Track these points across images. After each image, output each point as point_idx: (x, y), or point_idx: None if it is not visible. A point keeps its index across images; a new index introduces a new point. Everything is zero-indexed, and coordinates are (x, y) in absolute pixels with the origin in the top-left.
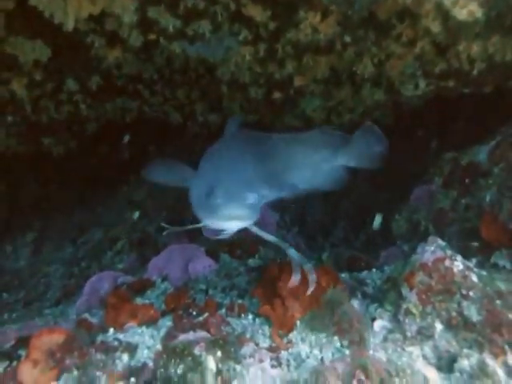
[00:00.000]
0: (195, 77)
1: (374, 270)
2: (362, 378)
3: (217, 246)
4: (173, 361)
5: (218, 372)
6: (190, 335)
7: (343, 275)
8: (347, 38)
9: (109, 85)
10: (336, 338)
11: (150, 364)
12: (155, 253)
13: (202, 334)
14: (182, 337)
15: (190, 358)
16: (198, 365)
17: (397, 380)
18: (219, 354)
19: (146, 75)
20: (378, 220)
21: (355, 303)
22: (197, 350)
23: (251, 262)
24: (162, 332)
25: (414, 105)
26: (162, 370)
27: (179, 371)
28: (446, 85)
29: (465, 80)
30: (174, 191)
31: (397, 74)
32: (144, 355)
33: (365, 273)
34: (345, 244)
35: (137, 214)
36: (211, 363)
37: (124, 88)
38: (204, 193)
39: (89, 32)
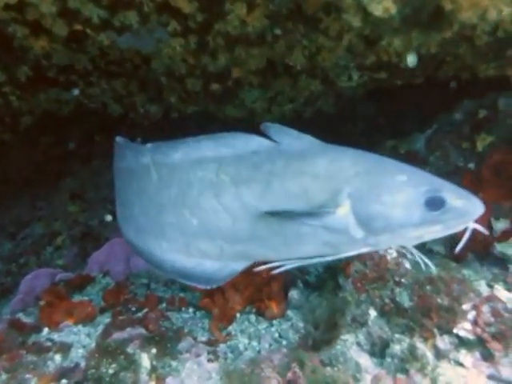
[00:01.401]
0: (132, 68)
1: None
2: (297, 370)
3: None
4: (104, 360)
5: (153, 369)
6: (125, 333)
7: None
8: (277, 31)
9: (39, 76)
10: (273, 328)
11: (83, 364)
12: (97, 247)
13: (138, 331)
14: (116, 335)
15: (122, 357)
16: (131, 363)
17: (328, 368)
18: (154, 350)
19: (79, 66)
20: None
21: (295, 293)
22: (130, 348)
23: None
24: (99, 330)
25: (356, 94)
26: (94, 370)
27: (111, 371)
28: (379, 76)
29: (395, 72)
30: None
31: (331, 66)
32: (78, 355)
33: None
34: None
35: (109, 218)
36: (145, 361)
37: (56, 79)
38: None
39: (9, 21)
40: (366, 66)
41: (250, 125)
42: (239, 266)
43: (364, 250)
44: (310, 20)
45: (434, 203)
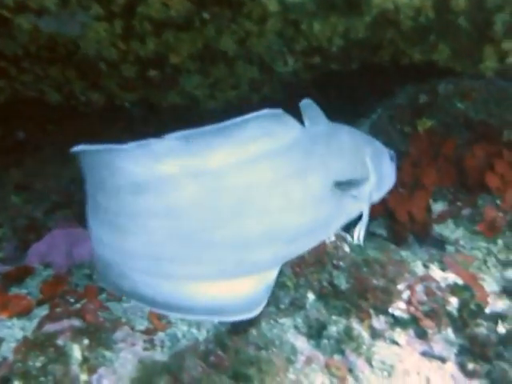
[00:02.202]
0: (66, 53)
1: None
2: (221, 353)
3: None
4: (32, 353)
5: (84, 360)
6: (58, 324)
7: None
8: (205, 15)
9: None
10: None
11: (10, 358)
12: (39, 239)
13: (72, 322)
14: (48, 327)
15: (52, 349)
16: (60, 355)
17: (263, 352)
18: (86, 341)
19: (8, 51)
20: None
21: None
22: (60, 340)
23: None
24: (35, 323)
25: (301, 81)
26: (20, 363)
27: (38, 364)
28: (313, 61)
29: (328, 57)
30: (65, 174)
31: (264, 51)
32: (10, 349)
33: None
34: None
35: None
36: (76, 352)
37: None
38: None
39: None
40: (299, 51)
41: (196, 112)
42: (274, 273)
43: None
44: (235, 4)
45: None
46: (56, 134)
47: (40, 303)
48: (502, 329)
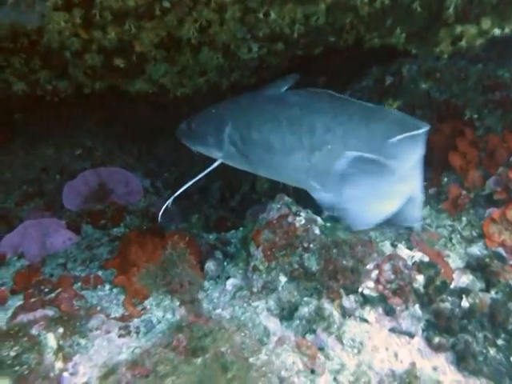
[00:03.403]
0: (28, 43)
1: (240, 228)
2: (180, 336)
3: (78, 218)
4: (7, 343)
5: (59, 348)
6: (31, 314)
7: (211, 236)
8: (166, 3)
9: None
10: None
11: None
12: (11, 230)
13: (45, 312)
14: (21, 317)
15: (25, 339)
16: (35, 344)
17: (237, 334)
18: (61, 330)
19: None
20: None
21: (211, 264)
22: (34, 330)
23: (115, 231)
24: (9, 313)
25: (269, 66)
26: None
27: (12, 353)
28: (277, 47)
29: (291, 43)
30: (36, 163)
31: (229, 38)
32: None
33: (232, 232)
34: (221, 204)
35: None
36: (51, 341)
37: None
38: None
39: None
40: (262, 38)
41: (166, 99)
42: None
43: None
44: None
45: None
46: (24, 123)
47: (14, 293)
48: (465, 303)
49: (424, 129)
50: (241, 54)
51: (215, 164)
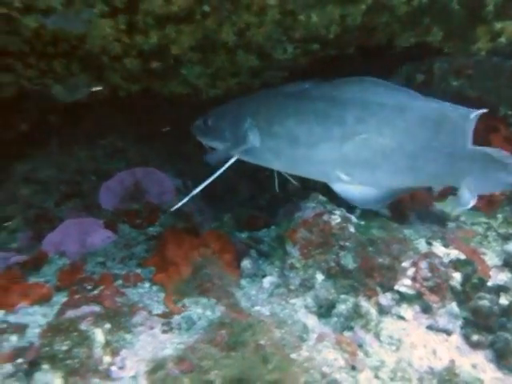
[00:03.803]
0: (69, 48)
1: (272, 227)
2: (223, 331)
3: (115, 217)
4: (58, 338)
5: (107, 343)
6: (79, 310)
7: (243, 235)
8: (206, 8)
9: None
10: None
11: (37, 343)
12: (52, 229)
13: (92, 308)
14: (70, 313)
15: (75, 334)
16: (84, 339)
17: (277, 330)
18: (108, 326)
19: (14, 48)
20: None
21: (247, 262)
22: (83, 325)
23: (151, 230)
24: (56, 309)
25: (298, 66)
26: (47, 348)
27: (64, 347)
28: (312, 48)
29: (326, 43)
30: (72, 164)
31: (264, 40)
32: (34, 335)
33: (263, 231)
34: (250, 203)
35: None
36: (99, 336)
37: None
38: None
39: None
40: (298, 39)
41: (198, 100)
42: None
43: None
44: None
45: None
46: (60, 125)
47: (58, 290)
48: (504, 300)
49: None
50: (276, 55)
51: (232, 160)
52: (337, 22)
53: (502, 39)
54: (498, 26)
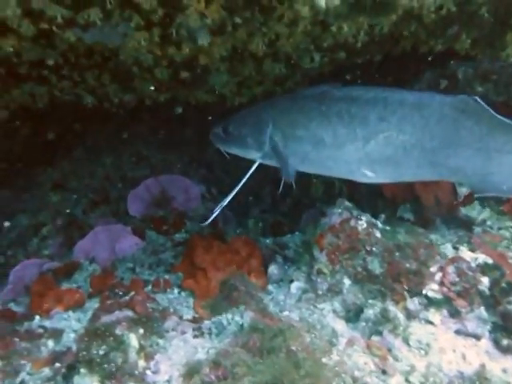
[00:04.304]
0: (102, 60)
1: (296, 233)
2: (255, 335)
3: (142, 224)
4: (94, 342)
5: (141, 348)
6: (113, 316)
7: (267, 240)
8: (237, 19)
9: (11, 73)
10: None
11: (74, 348)
12: (82, 236)
13: (125, 313)
14: (105, 318)
15: (111, 338)
16: (120, 344)
17: (307, 335)
18: (141, 331)
19: (50, 61)
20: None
21: (274, 268)
22: (118, 330)
23: (178, 236)
24: (89, 315)
25: (322, 73)
26: (85, 352)
27: (101, 352)
28: (338, 56)
29: (353, 51)
30: (99, 171)
31: (292, 50)
32: (70, 339)
33: (288, 236)
34: (273, 209)
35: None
36: (134, 341)
37: (29, 74)
38: None
39: None
40: (325, 48)
41: (223, 107)
42: None
43: None
44: (266, 9)
45: None
46: (84, 134)
47: (91, 296)
48: None
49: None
50: (303, 64)
51: (255, 165)
52: (365, 32)
53: None
54: None
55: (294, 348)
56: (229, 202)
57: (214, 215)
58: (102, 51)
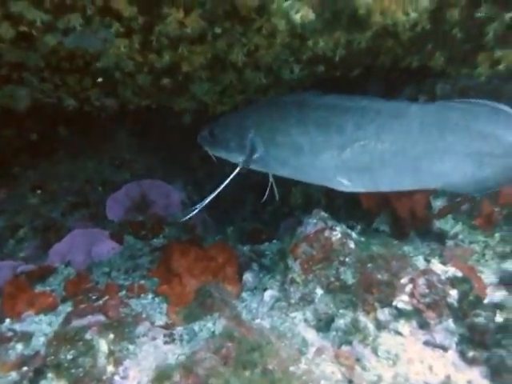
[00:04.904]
0: (83, 64)
1: (274, 241)
2: (230, 344)
3: (120, 228)
4: (63, 347)
5: (110, 353)
6: (85, 320)
7: (245, 248)
8: (218, 30)
9: None
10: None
11: (42, 352)
12: (59, 239)
13: (97, 317)
14: (75, 322)
15: (81, 343)
16: (89, 348)
17: (277, 343)
18: (112, 336)
19: (31, 63)
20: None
21: (249, 276)
22: (88, 335)
23: (156, 241)
24: (61, 319)
25: (303, 85)
26: (53, 356)
27: (69, 356)
28: (318, 69)
29: (331, 65)
30: (80, 175)
31: (272, 61)
32: (40, 343)
33: (266, 244)
34: (253, 216)
35: None
36: (103, 345)
37: (9, 76)
38: None
39: None
40: (305, 60)
41: (204, 115)
42: None
43: None
44: (245, 20)
45: None
46: (67, 136)
47: (64, 300)
48: (499, 318)
49: None
50: (283, 75)
51: (237, 170)
52: (343, 46)
53: (501, 66)
54: (498, 53)
55: (270, 367)
56: (209, 206)
57: (194, 213)
58: (83, 55)
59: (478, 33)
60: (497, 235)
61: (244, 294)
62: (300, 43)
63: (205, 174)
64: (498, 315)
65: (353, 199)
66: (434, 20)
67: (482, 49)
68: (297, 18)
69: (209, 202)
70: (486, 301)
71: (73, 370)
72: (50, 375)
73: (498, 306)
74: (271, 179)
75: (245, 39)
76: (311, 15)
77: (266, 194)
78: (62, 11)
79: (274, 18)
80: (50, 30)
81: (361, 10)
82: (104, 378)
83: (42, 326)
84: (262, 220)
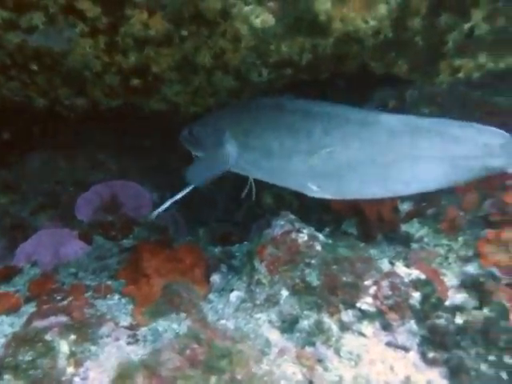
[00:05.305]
0: (52, 63)
1: (245, 242)
2: (196, 346)
3: (90, 229)
4: (22, 348)
5: (71, 354)
6: (47, 321)
7: (216, 249)
8: (184, 32)
9: None
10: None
11: (1, 353)
12: (26, 238)
13: (59, 318)
14: (37, 323)
15: (40, 344)
16: (49, 350)
17: (239, 344)
18: (73, 337)
19: None
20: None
21: (217, 277)
22: (49, 336)
23: (125, 242)
24: (23, 320)
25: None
26: (11, 358)
27: (28, 358)
28: (285, 73)
29: (298, 69)
30: (52, 175)
31: (239, 63)
32: (0, 344)
33: (236, 246)
34: (226, 217)
35: None
36: (64, 347)
37: None
38: None
39: None
40: (272, 64)
41: (176, 116)
42: None
43: None
44: (211, 24)
45: None
46: (40, 136)
47: (28, 300)
48: (459, 320)
49: None
50: (251, 78)
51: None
52: (309, 51)
53: (461, 74)
54: (457, 62)
55: (239, 377)
56: (181, 206)
57: (161, 209)
58: (50, 54)
59: (438, 41)
60: (460, 239)
61: (211, 296)
62: (265, 47)
63: (181, 175)
64: (458, 317)
65: (324, 202)
66: (397, 28)
67: (443, 57)
68: (257, 22)
69: (181, 202)
70: (447, 303)
71: (31, 372)
72: (6, 377)
73: (458, 308)
74: (251, 179)
75: (211, 42)
76: (271, 20)
77: (244, 193)
78: (23, 9)
79: (236, 23)
80: (12, 27)
81: (321, 16)
82: (63, 379)
83: (3, 327)
84: (234, 221)
